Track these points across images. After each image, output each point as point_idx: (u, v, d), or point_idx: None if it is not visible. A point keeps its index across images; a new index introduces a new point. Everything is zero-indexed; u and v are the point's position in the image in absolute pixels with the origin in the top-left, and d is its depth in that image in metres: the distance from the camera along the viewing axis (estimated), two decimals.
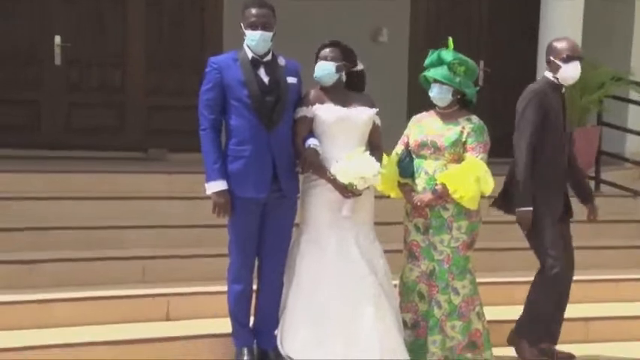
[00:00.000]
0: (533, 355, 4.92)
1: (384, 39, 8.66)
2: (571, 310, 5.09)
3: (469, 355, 4.64)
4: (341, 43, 4.61)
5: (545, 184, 4.82)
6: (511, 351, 4.99)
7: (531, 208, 4.77)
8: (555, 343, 5.00)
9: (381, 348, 4.46)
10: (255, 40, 4.39)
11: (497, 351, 4.85)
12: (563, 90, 4.92)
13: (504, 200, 4.95)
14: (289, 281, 4.59)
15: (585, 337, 5.38)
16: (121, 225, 5.71)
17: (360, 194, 4.49)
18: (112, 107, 7.50)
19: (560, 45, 4.86)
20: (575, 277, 5.23)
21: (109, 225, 5.69)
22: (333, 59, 4.54)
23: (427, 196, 4.60)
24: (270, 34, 4.39)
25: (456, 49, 4.69)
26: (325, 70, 4.55)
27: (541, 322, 4.95)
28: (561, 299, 4.98)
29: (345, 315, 4.47)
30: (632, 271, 6.15)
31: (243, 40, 4.44)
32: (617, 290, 5.93)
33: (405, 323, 4.74)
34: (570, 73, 4.84)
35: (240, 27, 4.42)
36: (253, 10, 4.37)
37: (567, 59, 4.81)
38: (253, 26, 4.37)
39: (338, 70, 4.56)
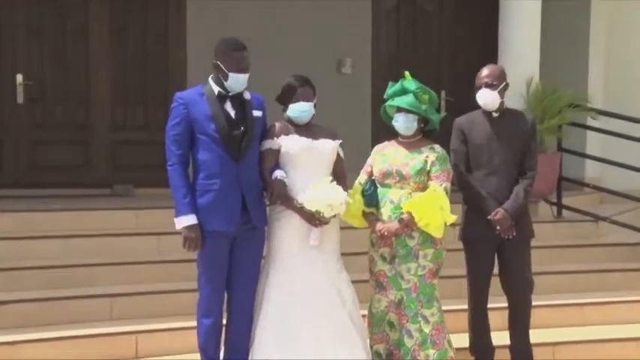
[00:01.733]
0: None
1: (347, 70, 8.76)
2: (538, 336, 5.15)
3: None
4: (309, 79, 4.65)
5: (470, 207, 4.93)
6: None
7: (500, 209, 4.79)
8: None
9: None
10: (240, 82, 4.43)
11: None
12: (495, 115, 4.93)
13: None
14: (257, 313, 4.58)
15: None
16: (88, 263, 5.67)
17: (328, 222, 4.52)
18: (77, 144, 7.46)
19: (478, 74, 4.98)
20: (540, 303, 5.33)
21: (75, 263, 5.65)
22: (309, 99, 4.59)
23: (394, 226, 4.62)
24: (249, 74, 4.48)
25: (417, 79, 4.75)
26: (305, 111, 4.59)
27: (472, 349, 5.05)
28: (482, 326, 5.02)
29: (317, 341, 4.48)
30: (596, 294, 6.22)
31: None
32: (583, 314, 6.00)
33: (379, 354, 4.75)
34: (479, 100, 4.95)
35: (219, 66, 4.38)
36: (238, 54, 4.42)
37: (476, 88, 4.94)
38: (240, 70, 4.41)
39: (314, 108, 4.63)
